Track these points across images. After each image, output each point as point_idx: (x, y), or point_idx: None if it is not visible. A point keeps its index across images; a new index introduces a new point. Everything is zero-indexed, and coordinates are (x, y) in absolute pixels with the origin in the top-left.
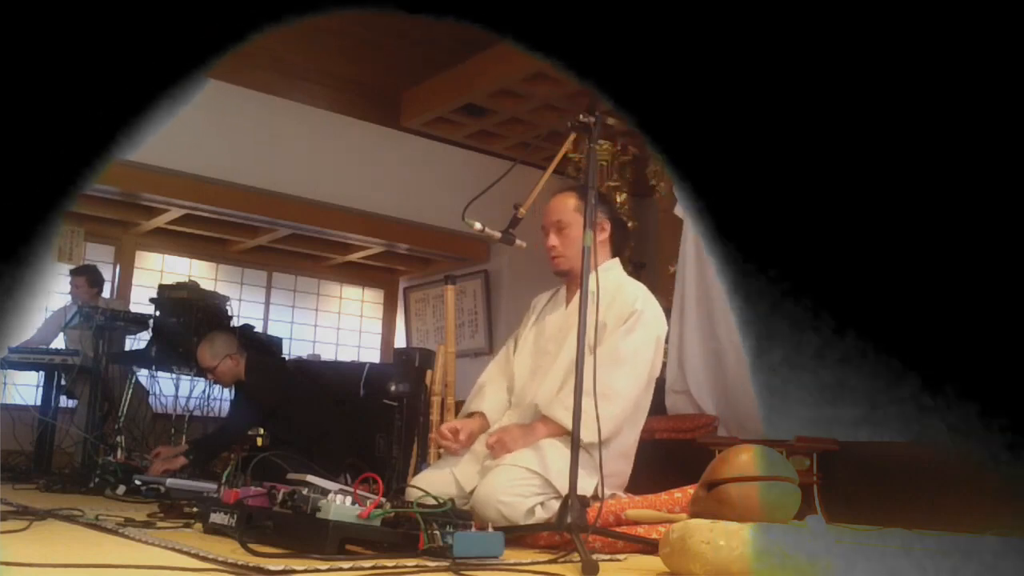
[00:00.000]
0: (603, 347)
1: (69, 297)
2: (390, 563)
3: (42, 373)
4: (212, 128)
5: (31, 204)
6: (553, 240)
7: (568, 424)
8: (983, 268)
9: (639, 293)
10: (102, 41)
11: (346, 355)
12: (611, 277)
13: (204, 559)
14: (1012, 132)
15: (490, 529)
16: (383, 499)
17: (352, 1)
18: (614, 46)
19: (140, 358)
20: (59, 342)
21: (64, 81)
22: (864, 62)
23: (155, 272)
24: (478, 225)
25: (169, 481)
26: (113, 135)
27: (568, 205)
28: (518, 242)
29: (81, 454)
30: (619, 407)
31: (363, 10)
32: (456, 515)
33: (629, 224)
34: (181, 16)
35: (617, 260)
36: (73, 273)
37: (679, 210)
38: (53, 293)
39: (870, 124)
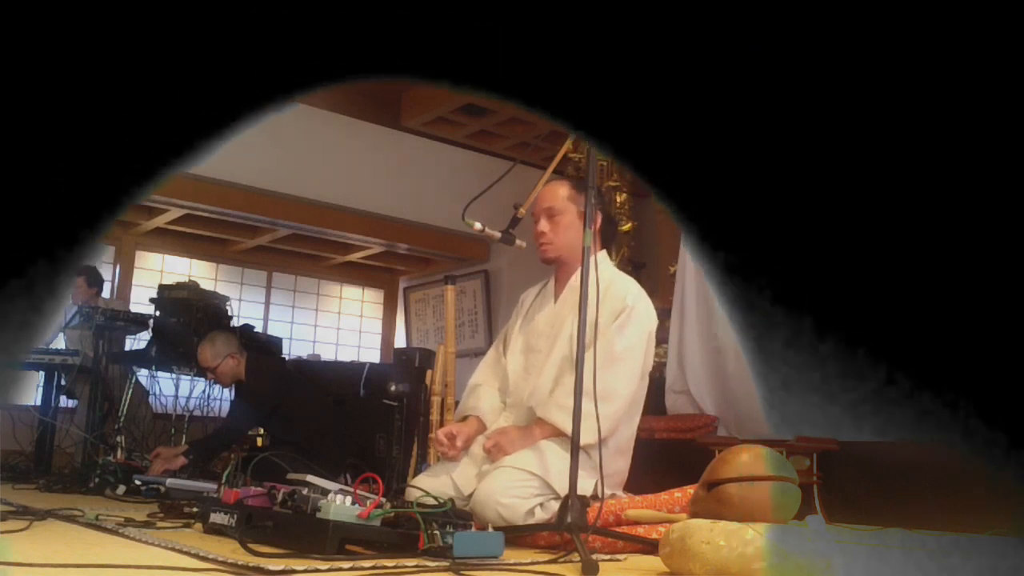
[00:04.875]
0: (597, 344)
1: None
2: (390, 563)
3: (42, 373)
4: None
5: (85, 210)
6: (543, 226)
7: (564, 425)
8: (983, 268)
9: (630, 287)
10: (192, 59)
11: (346, 355)
12: (603, 270)
13: (204, 559)
14: (1011, 131)
15: (490, 529)
16: (383, 499)
17: (364, 72)
18: (580, 74)
19: (140, 358)
20: (59, 342)
21: (140, 92)
22: (847, 66)
23: (155, 272)
24: (478, 225)
25: (169, 481)
26: (181, 151)
27: (560, 193)
28: (518, 242)
29: (81, 454)
30: (616, 406)
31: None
32: (456, 515)
33: (629, 224)
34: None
35: (605, 253)
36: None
37: None
38: None
39: (859, 127)
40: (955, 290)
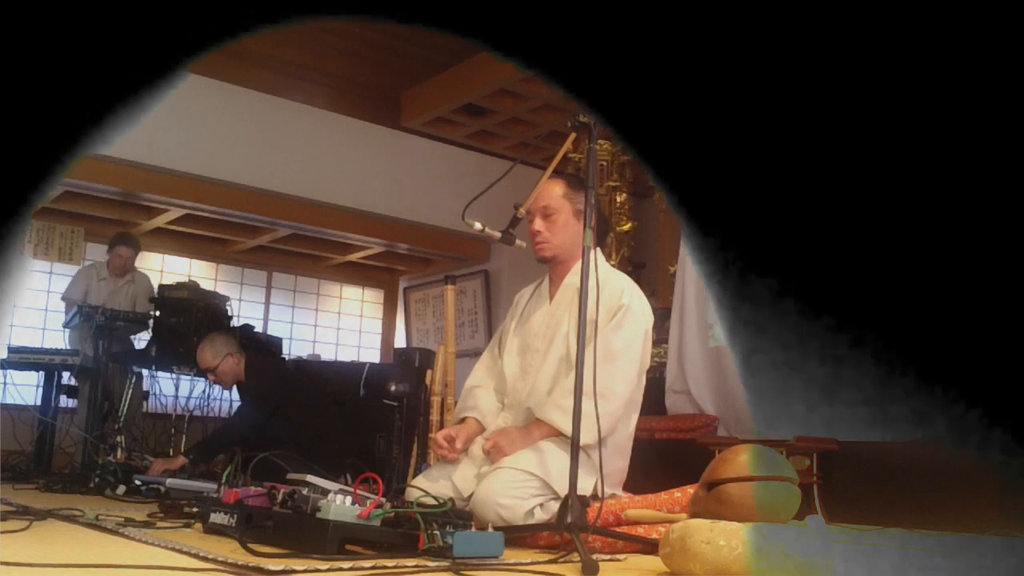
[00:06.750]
0: (594, 343)
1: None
2: (390, 563)
3: (42, 373)
4: (212, 128)
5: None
6: (539, 225)
7: (562, 425)
8: (984, 267)
9: (625, 286)
10: (79, 33)
11: (346, 355)
12: (599, 269)
13: (204, 559)
14: (1013, 127)
15: (490, 529)
16: (383, 499)
17: (344, 10)
18: (595, 53)
19: (140, 358)
20: (59, 342)
21: (33, 71)
22: (851, 63)
23: (155, 272)
24: (478, 225)
25: (169, 481)
26: (86, 130)
27: (555, 192)
28: (518, 242)
29: (81, 454)
30: (613, 404)
31: (355, 20)
32: (456, 515)
33: (629, 224)
34: (165, 11)
35: (600, 251)
36: (120, 243)
37: None
38: (43, 292)
39: (864, 122)
40: (959, 290)
